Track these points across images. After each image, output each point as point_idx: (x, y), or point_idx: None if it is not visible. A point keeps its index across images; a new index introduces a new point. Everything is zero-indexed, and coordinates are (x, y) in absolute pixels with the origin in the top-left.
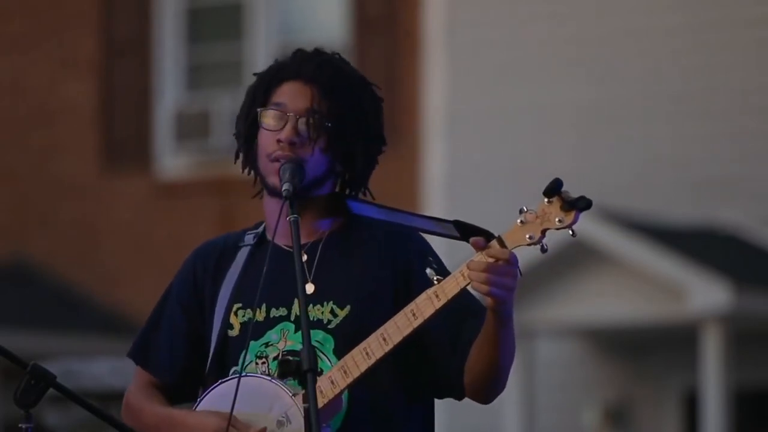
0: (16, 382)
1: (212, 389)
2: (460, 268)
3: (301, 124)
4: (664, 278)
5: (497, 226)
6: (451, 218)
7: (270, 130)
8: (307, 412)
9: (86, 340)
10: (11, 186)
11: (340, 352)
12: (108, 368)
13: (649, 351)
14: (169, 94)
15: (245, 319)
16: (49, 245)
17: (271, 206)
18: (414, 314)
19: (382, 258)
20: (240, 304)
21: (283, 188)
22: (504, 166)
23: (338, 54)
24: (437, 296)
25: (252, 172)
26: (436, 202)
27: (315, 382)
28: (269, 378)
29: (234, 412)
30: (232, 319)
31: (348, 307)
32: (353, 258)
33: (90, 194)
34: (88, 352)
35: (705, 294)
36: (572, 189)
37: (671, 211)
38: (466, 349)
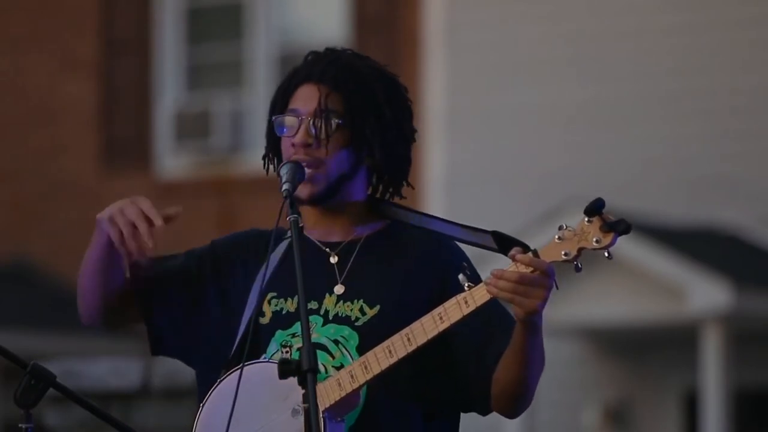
0: (16, 382)
1: (233, 372)
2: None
3: (312, 126)
4: (664, 278)
5: (496, 226)
6: (451, 218)
7: (286, 137)
8: (306, 411)
9: (86, 340)
10: (11, 186)
11: (364, 350)
12: (108, 368)
13: (649, 351)
14: (169, 94)
15: (277, 308)
16: (49, 245)
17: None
18: (441, 318)
19: (419, 266)
20: (275, 293)
21: (283, 188)
22: (504, 166)
23: (350, 50)
24: (466, 302)
25: None
26: (435, 202)
27: (315, 382)
28: None
29: (248, 397)
30: (265, 307)
31: (377, 308)
32: (389, 263)
33: (90, 194)
34: (88, 352)
35: (705, 294)
36: (572, 188)
37: (671, 211)
38: (493, 360)
